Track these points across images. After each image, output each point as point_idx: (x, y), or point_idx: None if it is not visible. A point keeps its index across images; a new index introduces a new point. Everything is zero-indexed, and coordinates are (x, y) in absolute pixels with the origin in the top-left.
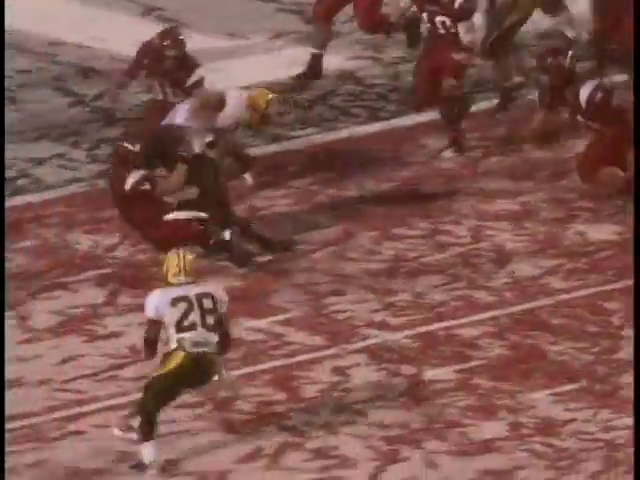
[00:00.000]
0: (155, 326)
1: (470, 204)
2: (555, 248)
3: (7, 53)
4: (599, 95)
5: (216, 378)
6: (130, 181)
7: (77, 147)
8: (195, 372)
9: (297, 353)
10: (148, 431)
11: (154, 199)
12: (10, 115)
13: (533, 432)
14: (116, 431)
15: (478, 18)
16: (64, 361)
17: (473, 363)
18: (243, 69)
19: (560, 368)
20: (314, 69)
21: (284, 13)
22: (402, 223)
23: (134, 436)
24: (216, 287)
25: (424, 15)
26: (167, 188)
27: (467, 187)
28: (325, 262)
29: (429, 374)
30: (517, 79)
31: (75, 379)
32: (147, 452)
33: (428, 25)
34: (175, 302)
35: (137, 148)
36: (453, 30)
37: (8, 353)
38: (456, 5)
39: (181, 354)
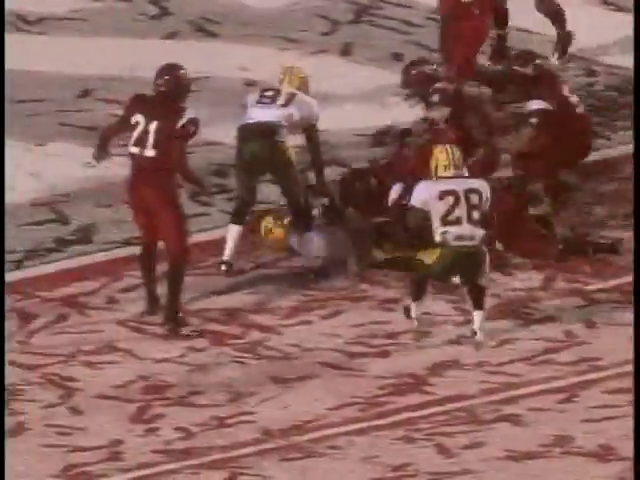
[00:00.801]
0: (419, 214)
1: None
2: None
3: None
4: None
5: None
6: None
7: None
8: (457, 265)
9: None
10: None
11: None
12: None
13: None
14: None
15: None
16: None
17: None
18: None
19: None
20: None
21: None
22: None
23: None
24: (483, 183)
25: None
26: None
27: None
28: None
29: None
30: None
31: (511, 362)
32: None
33: None
34: (443, 195)
35: None
36: None
37: None
38: None
39: (438, 250)
